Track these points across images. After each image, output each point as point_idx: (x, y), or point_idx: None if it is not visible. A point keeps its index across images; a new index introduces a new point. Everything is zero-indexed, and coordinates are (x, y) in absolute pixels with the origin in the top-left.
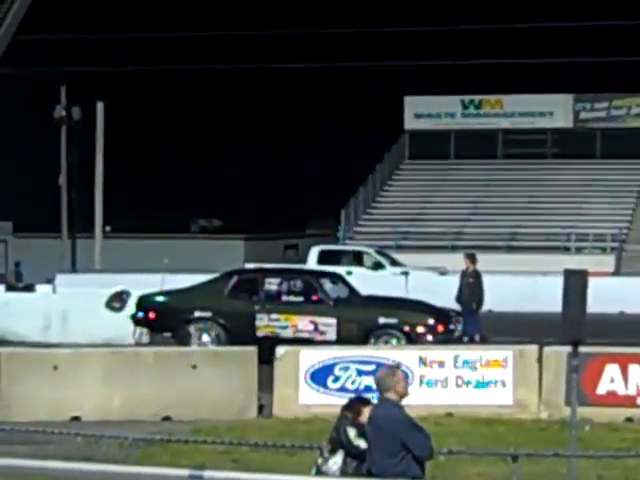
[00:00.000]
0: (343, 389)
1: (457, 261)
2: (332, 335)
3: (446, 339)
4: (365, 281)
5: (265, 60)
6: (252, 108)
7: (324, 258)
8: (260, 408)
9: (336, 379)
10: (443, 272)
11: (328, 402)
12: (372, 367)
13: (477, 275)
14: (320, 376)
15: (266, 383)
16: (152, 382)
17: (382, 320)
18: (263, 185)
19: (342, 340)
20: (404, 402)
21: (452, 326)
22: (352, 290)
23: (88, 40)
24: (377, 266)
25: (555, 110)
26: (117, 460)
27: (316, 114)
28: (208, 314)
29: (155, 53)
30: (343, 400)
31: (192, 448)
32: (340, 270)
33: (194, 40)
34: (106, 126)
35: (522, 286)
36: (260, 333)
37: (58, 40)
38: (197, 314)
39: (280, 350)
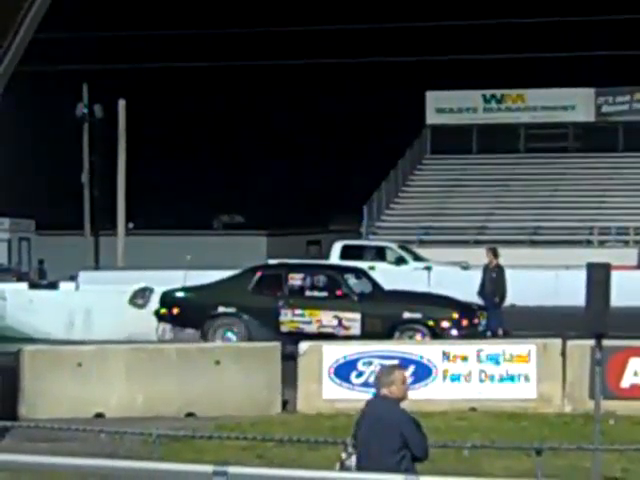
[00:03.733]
0: (366, 384)
1: (480, 256)
2: (356, 330)
3: (470, 333)
4: (388, 276)
5: (287, 56)
6: (275, 104)
7: (347, 253)
8: (284, 404)
9: (359, 374)
10: (466, 267)
11: (352, 397)
12: (396, 362)
13: (500, 269)
14: (343, 371)
15: (290, 379)
16: (175, 378)
17: (406, 315)
18: (285, 181)
19: (366, 335)
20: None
21: (476, 320)
22: (376, 285)
23: (110, 38)
24: (400, 261)
25: (577, 104)
26: (141, 456)
27: (338, 109)
28: (232, 310)
29: (176, 51)
30: (367, 395)
31: (216, 444)
32: (363, 265)
33: (215, 37)
34: (128, 124)
35: (545, 280)
36: (284, 329)
37: (80, 38)
38: (221, 310)
39: (303, 346)
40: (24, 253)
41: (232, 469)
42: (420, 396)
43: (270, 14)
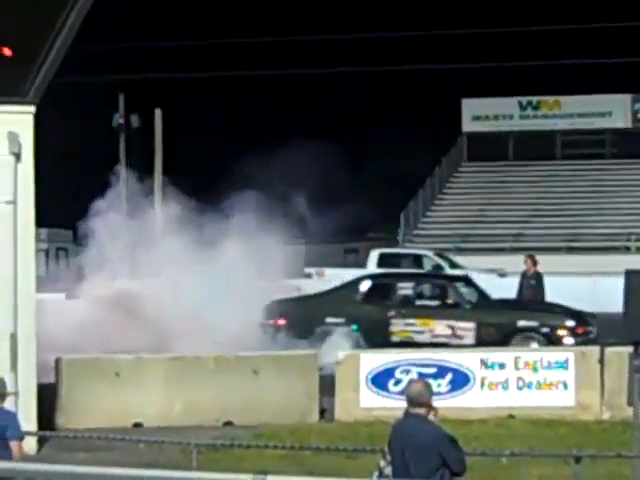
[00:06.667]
0: (404, 392)
1: (517, 263)
2: (470, 339)
3: (584, 341)
4: None
5: (321, 65)
6: (310, 111)
7: (384, 261)
8: (322, 412)
9: (397, 382)
10: (502, 274)
11: (390, 405)
12: (433, 370)
13: (538, 276)
14: (381, 379)
15: (328, 387)
16: (213, 387)
17: (522, 323)
18: (322, 189)
19: (481, 344)
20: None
21: (590, 328)
22: (481, 293)
23: (146, 48)
24: (437, 269)
25: (613, 110)
26: (180, 466)
27: (374, 118)
28: (341, 320)
29: (213, 59)
30: (404, 403)
31: (254, 453)
32: None
33: (250, 46)
34: (164, 133)
35: (583, 287)
36: (395, 338)
37: (116, 48)
38: (329, 320)
39: (341, 354)
40: (62, 263)
41: (271, 477)
42: (458, 404)
43: (305, 22)
